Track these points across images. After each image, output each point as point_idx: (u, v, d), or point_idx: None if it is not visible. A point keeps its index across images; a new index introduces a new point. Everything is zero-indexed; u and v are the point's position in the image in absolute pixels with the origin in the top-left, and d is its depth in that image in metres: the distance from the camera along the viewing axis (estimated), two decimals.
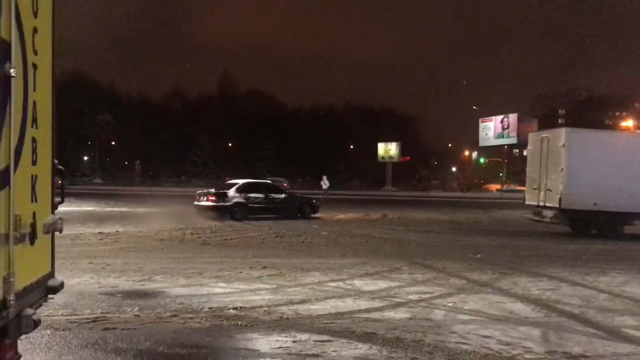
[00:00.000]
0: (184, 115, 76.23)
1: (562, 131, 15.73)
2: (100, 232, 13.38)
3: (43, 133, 2.87)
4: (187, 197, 36.01)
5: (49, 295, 3.32)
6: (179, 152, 73.29)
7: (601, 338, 5.36)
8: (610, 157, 15.41)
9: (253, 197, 19.34)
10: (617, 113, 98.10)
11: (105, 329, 5.14)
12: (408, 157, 74.89)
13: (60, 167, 3.35)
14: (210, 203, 18.73)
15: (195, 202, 19.40)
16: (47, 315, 5.51)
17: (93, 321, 5.38)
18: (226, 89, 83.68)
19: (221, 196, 18.88)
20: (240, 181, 20.30)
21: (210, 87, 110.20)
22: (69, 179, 62.80)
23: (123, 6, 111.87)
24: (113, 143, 75.03)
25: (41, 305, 3.21)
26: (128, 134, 70.93)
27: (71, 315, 5.59)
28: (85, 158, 74.23)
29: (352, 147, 79.39)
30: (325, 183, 34.77)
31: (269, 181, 23.60)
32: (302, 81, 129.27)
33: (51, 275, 3.32)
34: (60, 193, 3.49)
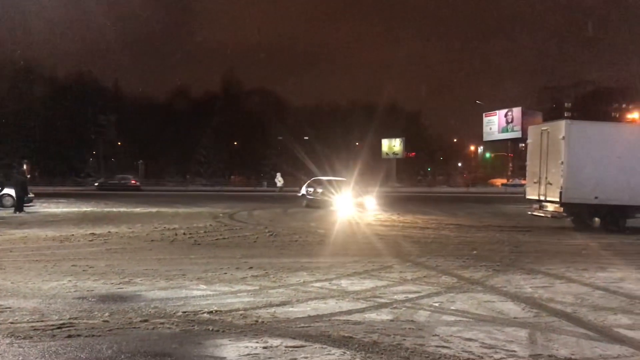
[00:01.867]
0: (189, 115, 75.94)
1: (562, 123, 15.40)
2: (92, 233, 13.15)
3: None
4: (188, 196, 36.04)
5: None
6: (183, 152, 73.13)
7: (591, 339, 5.10)
8: (612, 150, 15.10)
9: (310, 191, 24.46)
10: (624, 105, 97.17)
11: (69, 336, 4.91)
12: (413, 153, 74.54)
13: None
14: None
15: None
16: (12, 323, 5.32)
17: (58, 328, 5.15)
18: (230, 88, 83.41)
19: (300, 189, 26.04)
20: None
21: (214, 86, 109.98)
22: (73, 179, 63.06)
23: (126, 5, 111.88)
24: (119, 144, 75.02)
25: None
26: (132, 134, 70.82)
27: (37, 321, 5.36)
28: (90, 159, 74.17)
29: (357, 143, 79.00)
30: (279, 180, 33.96)
31: (324, 178, 26.19)
32: (306, 80, 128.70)
33: None
34: None
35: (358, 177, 31.57)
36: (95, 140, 69.55)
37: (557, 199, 15.04)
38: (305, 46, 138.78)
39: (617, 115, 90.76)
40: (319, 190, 23.93)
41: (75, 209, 21.98)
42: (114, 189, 45.03)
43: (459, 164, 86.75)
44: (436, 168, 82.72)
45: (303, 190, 25.37)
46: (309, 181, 25.81)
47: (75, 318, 5.52)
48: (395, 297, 6.73)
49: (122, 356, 4.43)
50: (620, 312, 6.12)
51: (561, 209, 15.19)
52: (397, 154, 68.05)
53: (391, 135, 68.35)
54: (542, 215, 16.14)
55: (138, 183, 48.98)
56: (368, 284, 7.55)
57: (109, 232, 13.60)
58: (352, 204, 22.13)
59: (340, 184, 24.03)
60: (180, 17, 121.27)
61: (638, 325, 5.62)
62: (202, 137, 72.05)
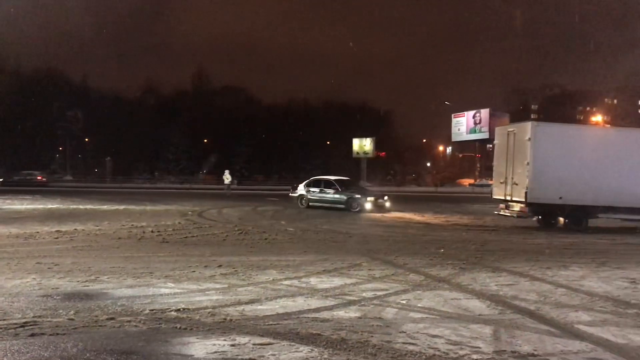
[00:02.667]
0: (158, 111, 75.06)
1: (528, 125, 15.69)
2: (57, 231, 12.93)
3: None
4: (156, 194, 35.59)
5: None
6: (152, 149, 72.26)
7: (553, 335, 5.23)
8: (575, 151, 15.47)
9: (314, 190, 23.14)
10: (588, 108, 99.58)
11: (33, 334, 4.83)
12: (384, 153, 74.95)
13: None
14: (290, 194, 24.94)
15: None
16: None
17: (21, 326, 5.06)
18: (201, 85, 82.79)
19: (294, 189, 24.66)
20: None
21: (185, 83, 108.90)
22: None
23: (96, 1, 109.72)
24: (86, 140, 73.72)
25: None
26: (100, 131, 69.65)
27: None
28: (57, 155, 72.73)
29: (328, 142, 79.11)
30: (227, 177, 31.83)
31: (331, 178, 24.32)
32: (278, 78, 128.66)
33: None
34: None
35: (355, 177, 30.65)
36: (62, 136, 68.16)
37: (523, 199, 15.32)
38: (278, 45, 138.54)
39: (582, 118, 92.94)
40: (329, 190, 22.62)
41: (41, 206, 21.55)
42: (18, 185, 42.99)
43: (428, 164, 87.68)
44: (406, 168, 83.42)
45: (301, 190, 23.62)
46: (310, 179, 24.20)
47: (39, 316, 5.43)
48: (364, 294, 6.79)
49: (88, 354, 4.38)
50: (581, 309, 6.28)
51: (526, 209, 15.48)
52: (367, 154, 68.23)
53: (362, 135, 68.59)
54: (508, 214, 16.43)
55: (45, 179, 47.49)
56: (337, 281, 7.59)
57: (75, 229, 13.38)
58: (370, 204, 21.73)
59: (348, 183, 23.64)
60: (152, 13, 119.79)
61: (597, 322, 5.78)
62: (171, 134, 71.24)
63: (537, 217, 16.38)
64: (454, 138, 62.12)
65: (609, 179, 15.40)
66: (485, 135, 53.76)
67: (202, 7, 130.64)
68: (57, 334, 4.88)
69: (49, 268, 8.17)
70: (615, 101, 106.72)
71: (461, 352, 4.66)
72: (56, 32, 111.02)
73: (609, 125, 55.00)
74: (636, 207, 15.71)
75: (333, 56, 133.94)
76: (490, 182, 37.22)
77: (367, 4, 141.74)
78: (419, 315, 5.84)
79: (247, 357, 4.43)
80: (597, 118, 73.04)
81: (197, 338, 4.88)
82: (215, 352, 4.53)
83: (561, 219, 16.09)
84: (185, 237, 12.38)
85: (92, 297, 6.36)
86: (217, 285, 7.17)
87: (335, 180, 23.50)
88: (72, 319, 5.36)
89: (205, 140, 77.55)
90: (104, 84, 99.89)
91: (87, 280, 7.29)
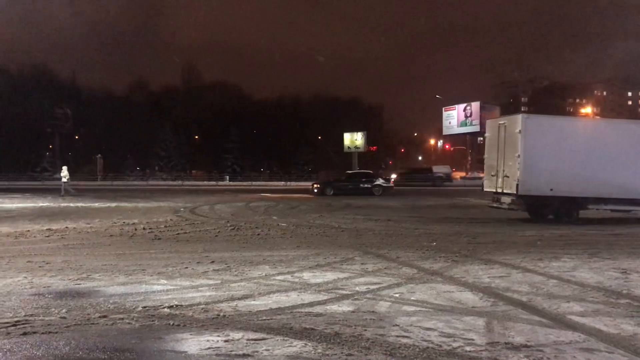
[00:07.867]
0: (148, 108, 74.67)
1: (519, 117, 15.72)
2: (48, 229, 12.86)
3: None
4: (146, 191, 35.51)
5: None
6: (143, 145, 71.88)
7: (545, 326, 5.25)
8: (566, 143, 15.50)
9: None
10: (577, 100, 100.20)
11: (24, 333, 4.80)
12: (375, 147, 75.04)
13: None
14: None
15: None
16: None
17: (13, 325, 5.02)
18: (191, 81, 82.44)
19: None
20: None
21: (175, 79, 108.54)
22: (29, 174, 61.19)
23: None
24: (77, 137, 73.29)
25: None
26: (90, 128, 69.30)
27: None
28: (47, 153, 72.18)
29: (319, 137, 79.04)
30: (64, 174, 27.65)
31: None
32: (268, 75, 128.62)
33: None
34: None
35: None
36: (52, 133, 67.68)
37: (514, 192, 15.35)
38: (268, 42, 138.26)
39: (571, 110, 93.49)
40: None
41: (31, 205, 21.42)
42: None
43: (420, 158, 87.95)
44: (397, 161, 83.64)
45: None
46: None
47: (31, 315, 5.40)
48: (357, 288, 6.79)
49: (80, 352, 4.36)
50: (573, 300, 6.31)
51: (517, 201, 15.52)
52: (358, 148, 68.31)
53: (353, 129, 68.58)
54: (499, 207, 16.47)
55: None
56: (330, 276, 7.59)
57: (66, 227, 13.30)
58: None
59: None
60: (142, 10, 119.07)
61: (589, 312, 5.81)
62: (162, 130, 70.92)
63: (528, 209, 16.41)
64: (445, 131, 62.41)
65: (598, 171, 15.46)
66: (476, 128, 54.04)
67: (193, 5, 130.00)
68: (49, 332, 4.85)
69: (40, 266, 8.11)
70: (604, 93, 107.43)
71: (454, 344, 4.67)
72: (44, 29, 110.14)
73: (598, 117, 55.31)
74: (625, 198, 15.82)
75: (324, 53, 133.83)
76: (481, 175, 37.43)
77: (357, 4, 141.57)
78: (412, 309, 5.85)
79: (241, 352, 4.42)
80: (587, 110, 73.53)
81: (191, 334, 4.86)
82: (209, 348, 4.52)
83: (552, 211, 16.13)
84: (178, 234, 12.33)
85: (84, 295, 6.33)
86: (210, 282, 7.15)
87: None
88: (64, 317, 5.33)
89: (196, 137, 77.31)
90: (93, 81, 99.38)
91: (78, 278, 7.24)
